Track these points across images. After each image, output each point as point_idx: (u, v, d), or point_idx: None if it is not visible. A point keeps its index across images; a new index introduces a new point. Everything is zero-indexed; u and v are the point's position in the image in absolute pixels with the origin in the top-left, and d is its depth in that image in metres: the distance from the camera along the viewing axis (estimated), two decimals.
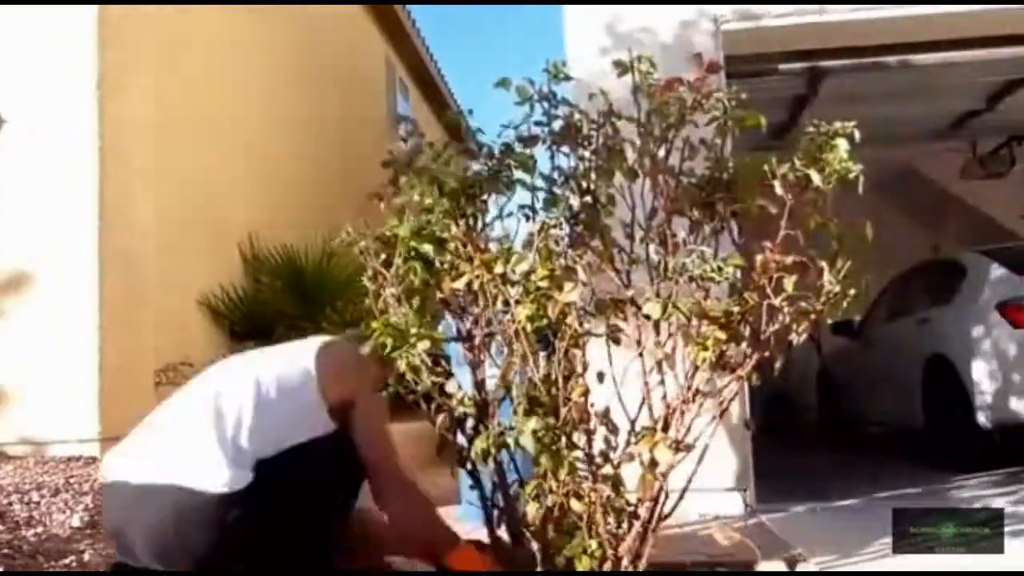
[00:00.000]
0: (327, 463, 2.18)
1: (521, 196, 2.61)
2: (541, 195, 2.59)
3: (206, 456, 2.04)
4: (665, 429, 2.39)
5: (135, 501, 2.08)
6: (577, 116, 2.61)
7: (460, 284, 2.47)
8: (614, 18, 4.33)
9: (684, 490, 2.46)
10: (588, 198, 2.58)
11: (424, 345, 2.44)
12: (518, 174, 2.58)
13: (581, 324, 2.42)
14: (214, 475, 2.00)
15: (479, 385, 2.63)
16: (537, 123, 2.58)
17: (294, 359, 2.30)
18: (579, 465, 2.33)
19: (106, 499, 2.32)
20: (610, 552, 2.33)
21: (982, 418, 4.94)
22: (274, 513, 2.07)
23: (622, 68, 2.55)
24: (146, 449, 2.18)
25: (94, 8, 4.66)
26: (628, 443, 2.39)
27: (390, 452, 2.33)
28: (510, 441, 2.43)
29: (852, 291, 2.36)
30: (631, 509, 2.40)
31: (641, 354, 2.47)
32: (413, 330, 2.43)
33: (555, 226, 2.52)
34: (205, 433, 2.08)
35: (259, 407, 2.13)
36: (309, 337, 2.51)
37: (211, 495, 1.99)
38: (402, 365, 2.50)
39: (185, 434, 2.14)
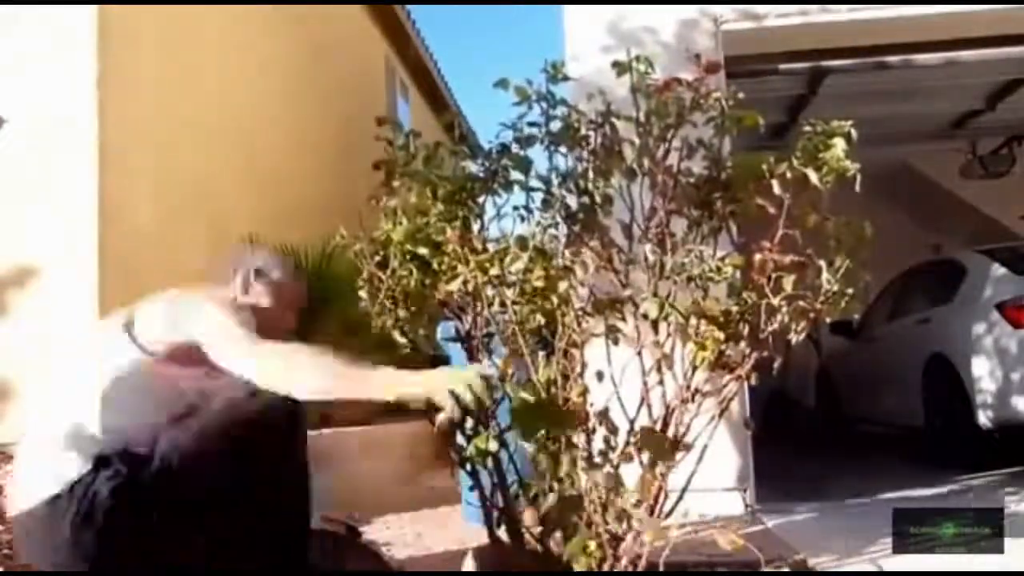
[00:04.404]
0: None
1: (519, 197, 2.62)
2: (538, 196, 2.59)
3: (37, 467, 2.03)
4: (664, 429, 2.39)
5: (20, 534, 2.14)
6: (575, 116, 2.60)
7: (455, 286, 2.47)
8: (614, 18, 4.33)
9: (684, 490, 2.46)
10: (586, 198, 2.58)
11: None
12: (514, 175, 2.57)
13: (579, 324, 2.42)
14: (42, 481, 1.99)
15: None
16: (531, 123, 2.58)
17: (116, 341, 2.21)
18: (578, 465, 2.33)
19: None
20: (609, 552, 2.33)
21: (982, 418, 4.93)
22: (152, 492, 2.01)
23: (620, 68, 2.55)
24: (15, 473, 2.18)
25: (94, 8, 4.66)
26: (627, 443, 2.39)
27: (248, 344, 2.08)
28: (509, 441, 2.43)
29: (850, 290, 2.36)
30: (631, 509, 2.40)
31: (640, 354, 2.47)
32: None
33: (551, 226, 2.52)
34: (38, 444, 2.09)
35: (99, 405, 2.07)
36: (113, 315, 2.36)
37: (44, 501, 1.96)
38: None
39: (27, 449, 2.13)
